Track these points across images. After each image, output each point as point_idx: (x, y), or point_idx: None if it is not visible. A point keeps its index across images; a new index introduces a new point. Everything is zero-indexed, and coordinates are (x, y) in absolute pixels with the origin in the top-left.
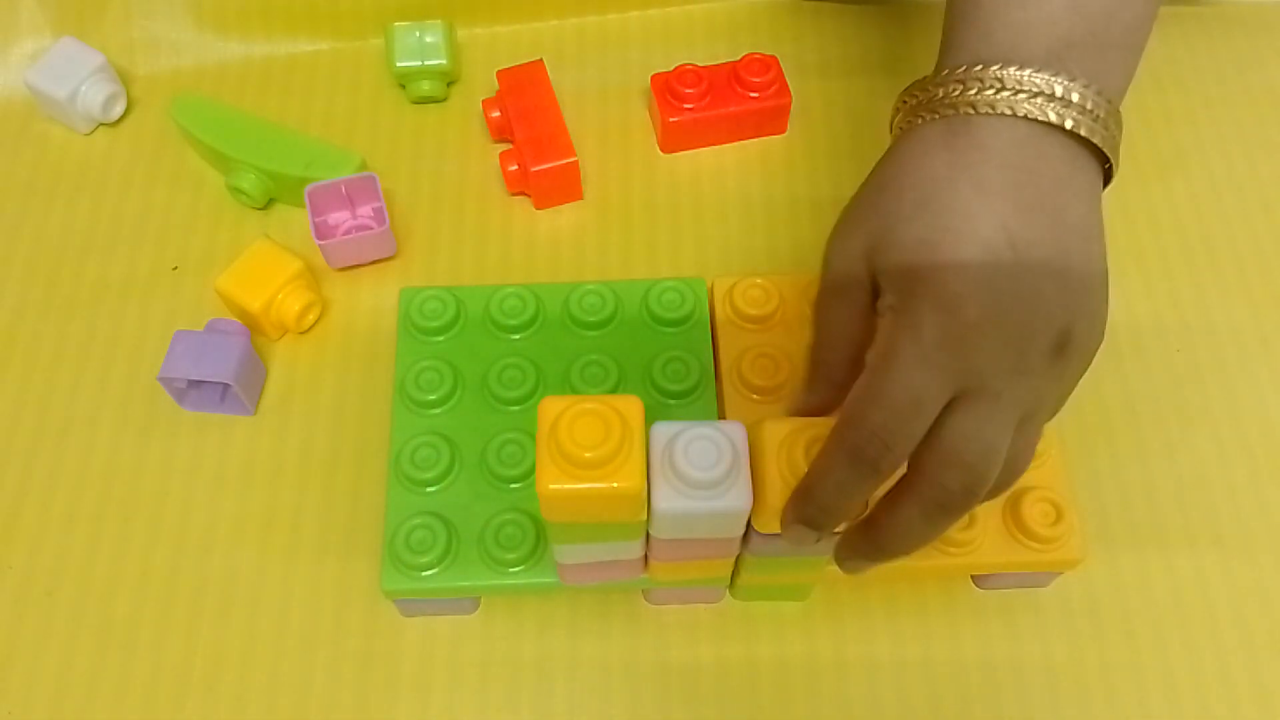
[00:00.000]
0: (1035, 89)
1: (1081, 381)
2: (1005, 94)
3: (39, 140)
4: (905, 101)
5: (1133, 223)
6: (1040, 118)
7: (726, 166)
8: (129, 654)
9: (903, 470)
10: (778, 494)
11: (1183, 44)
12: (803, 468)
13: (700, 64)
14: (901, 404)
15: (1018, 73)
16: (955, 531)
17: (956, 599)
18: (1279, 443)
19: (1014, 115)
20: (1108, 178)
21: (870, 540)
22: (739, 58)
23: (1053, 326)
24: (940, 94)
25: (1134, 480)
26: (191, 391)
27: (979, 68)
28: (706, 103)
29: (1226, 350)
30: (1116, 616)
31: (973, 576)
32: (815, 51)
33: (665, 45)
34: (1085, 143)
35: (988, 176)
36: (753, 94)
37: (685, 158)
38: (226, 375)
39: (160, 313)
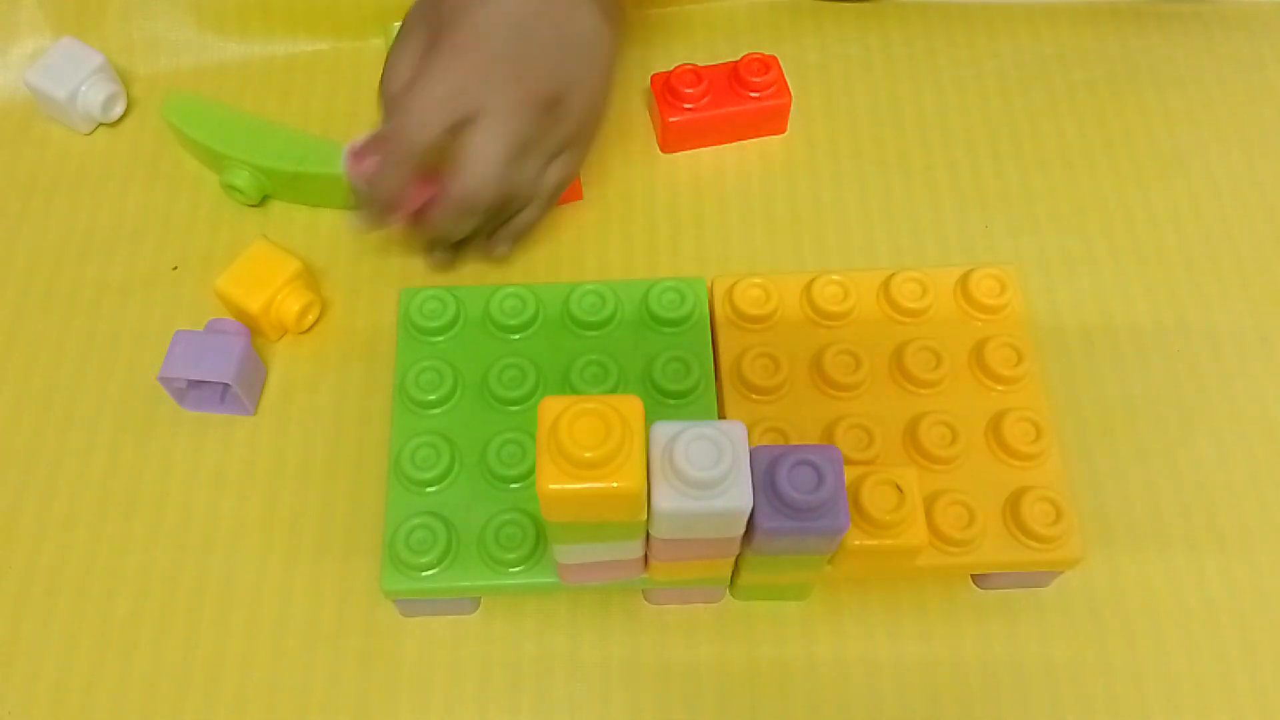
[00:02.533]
0: None
1: (1082, 381)
2: None
3: (39, 140)
4: None
5: (1133, 223)
6: None
7: (726, 166)
8: (129, 654)
9: None
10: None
11: (1183, 44)
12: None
13: (700, 64)
14: (419, 124)
15: None
16: (955, 531)
17: (956, 599)
18: (1279, 443)
19: None
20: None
21: (421, 229)
22: (739, 58)
23: (543, 83)
24: None
25: (1134, 480)
26: (191, 391)
27: None
28: (706, 103)
29: (1226, 350)
30: (1116, 616)
31: (973, 576)
32: (815, 51)
33: (665, 45)
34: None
35: None
36: (753, 94)
37: (685, 158)
38: (226, 375)
39: (160, 313)
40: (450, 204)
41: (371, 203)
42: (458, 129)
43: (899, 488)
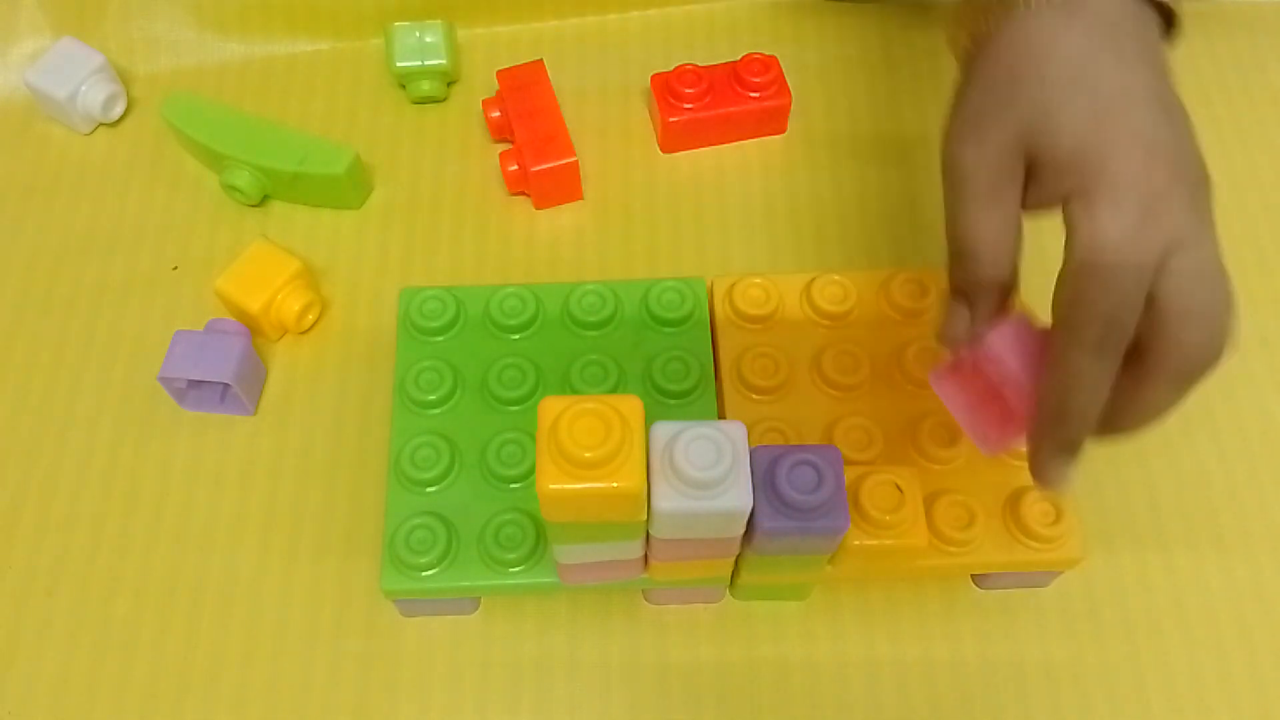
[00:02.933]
0: None
1: None
2: None
3: (39, 140)
4: (967, 9)
5: None
6: None
7: (726, 166)
8: (129, 654)
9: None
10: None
11: (1183, 44)
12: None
13: (700, 64)
14: (1125, 281)
15: None
16: (955, 531)
17: (956, 599)
18: (1279, 443)
19: None
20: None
21: (1108, 426)
22: (739, 58)
23: (1204, 175)
24: None
25: (1134, 480)
26: (191, 391)
27: None
28: (706, 103)
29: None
30: (1116, 616)
31: (973, 576)
32: (815, 51)
33: (665, 45)
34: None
35: (1123, 46)
36: (753, 94)
37: (685, 158)
38: (226, 375)
39: (160, 313)
40: (1167, 374)
41: (1079, 426)
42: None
43: (899, 488)
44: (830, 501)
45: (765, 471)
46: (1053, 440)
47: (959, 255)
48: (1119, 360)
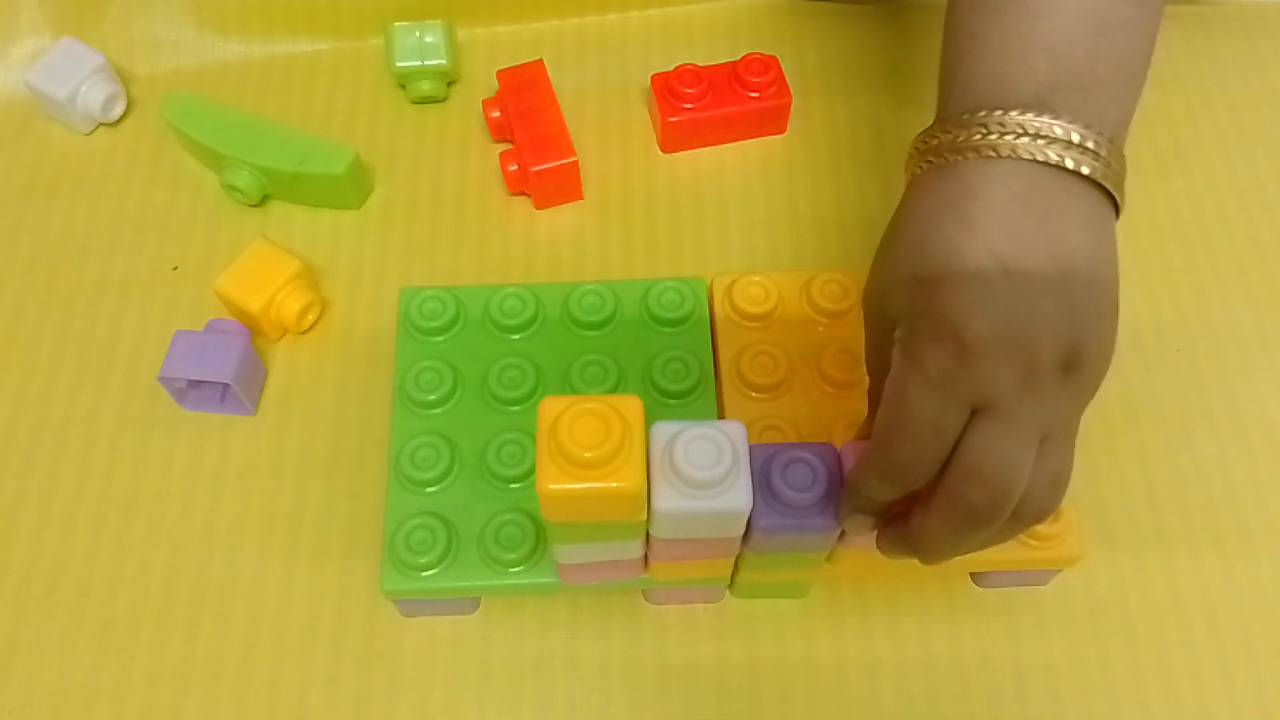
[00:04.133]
0: (1023, 130)
1: None
2: (992, 137)
3: (39, 140)
4: (916, 149)
5: (1133, 223)
6: (1030, 157)
7: (726, 166)
8: (129, 654)
9: None
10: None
11: (1183, 44)
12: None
13: (700, 64)
14: (921, 432)
15: (1002, 116)
16: None
17: (956, 597)
18: (1279, 443)
19: (1009, 157)
20: (1117, 212)
21: (904, 542)
22: (739, 58)
23: (1058, 344)
24: (934, 143)
25: (1134, 480)
26: (191, 391)
27: (966, 115)
28: (706, 103)
29: (1226, 350)
30: (1116, 616)
31: (972, 575)
32: (815, 51)
33: (665, 45)
34: (1084, 178)
35: (973, 213)
36: (753, 94)
37: (685, 158)
38: (226, 375)
39: (160, 313)
40: (945, 517)
41: (856, 510)
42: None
43: None
44: (825, 499)
45: (760, 469)
46: (846, 505)
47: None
48: (909, 488)
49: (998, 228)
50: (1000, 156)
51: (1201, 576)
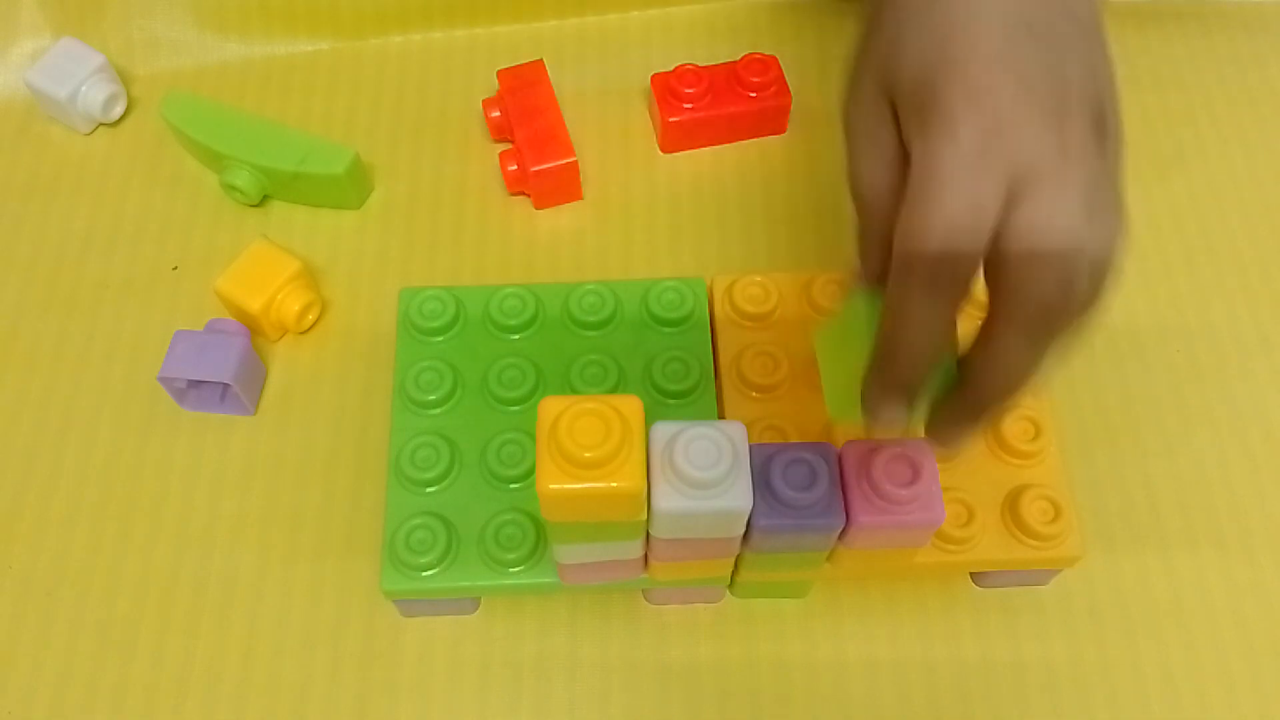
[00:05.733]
0: None
1: (1082, 381)
2: None
3: (39, 140)
4: None
5: (1133, 222)
6: None
7: (726, 166)
8: (129, 654)
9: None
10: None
11: (1183, 44)
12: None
13: (700, 64)
14: (960, 215)
15: None
16: (954, 529)
17: (956, 597)
18: (1279, 443)
19: None
20: None
21: (972, 397)
22: (739, 58)
23: (1086, 104)
24: None
25: (1134, 480)
26: (191, 391)
27: None
28: (706, 103)
29: (1226, 350)
30: (1116, 616)
31: (972, 574)
32: (815, 51)
33: (665, 45)
34: None
35: None
36: (753, 94)
37: (685, 158)
38: (226, 375)
39: (160, 313)
40: (1018, 324)
41: (911, 370)
42: (1003, 213)
43: None
44: (825, 499)
45: (760, 469)
46: (883, 379)
47: (855, 207)
48: (955, 300)
49: None
50: None
51: (1201, 576)
